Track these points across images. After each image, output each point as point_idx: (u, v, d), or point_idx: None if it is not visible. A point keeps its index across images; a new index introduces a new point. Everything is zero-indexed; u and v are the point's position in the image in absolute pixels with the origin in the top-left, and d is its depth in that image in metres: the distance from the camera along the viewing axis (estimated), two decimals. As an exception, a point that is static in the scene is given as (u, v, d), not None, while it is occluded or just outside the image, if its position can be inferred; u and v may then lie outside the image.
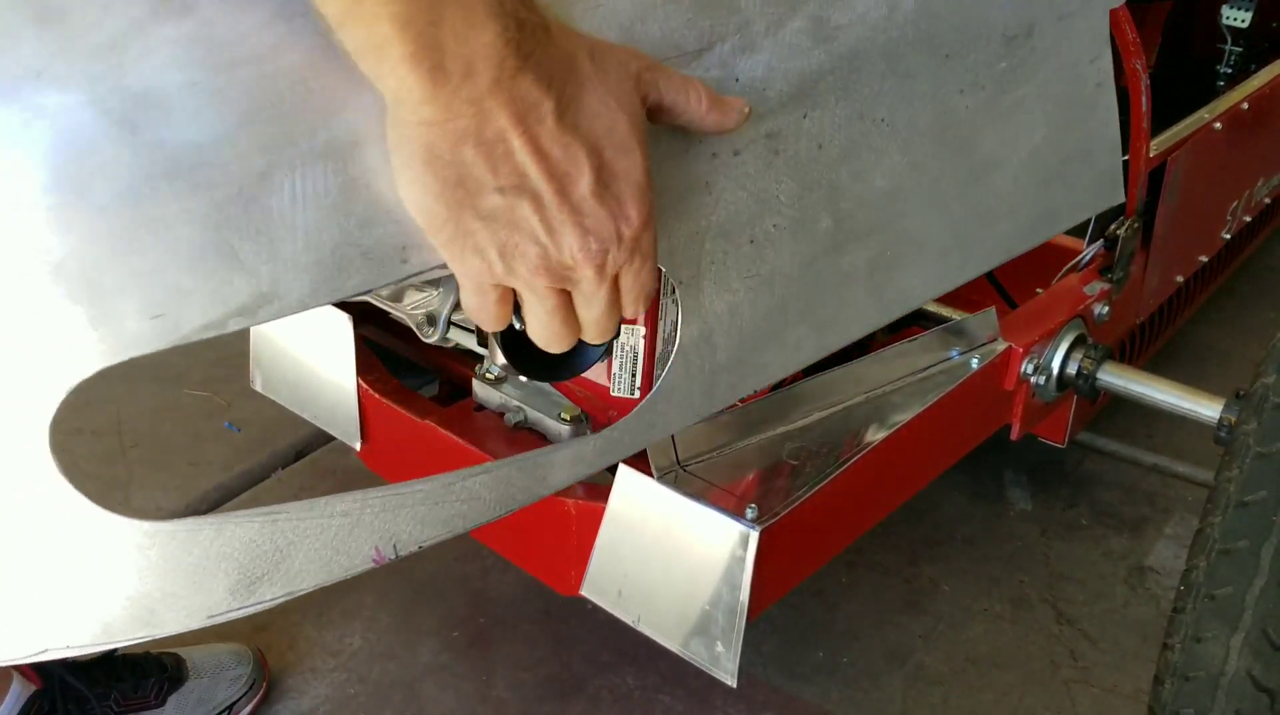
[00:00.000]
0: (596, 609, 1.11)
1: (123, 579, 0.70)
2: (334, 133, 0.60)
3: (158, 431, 1.77)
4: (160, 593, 0.71)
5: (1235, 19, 2.14)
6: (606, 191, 0.60)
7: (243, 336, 2.05)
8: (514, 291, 0.64)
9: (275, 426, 1.77)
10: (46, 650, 0.73)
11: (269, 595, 0.75)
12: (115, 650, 1.25)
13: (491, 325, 0.65)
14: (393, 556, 0.80)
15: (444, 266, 0.65)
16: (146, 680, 1.23)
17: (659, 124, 0.67)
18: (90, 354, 0.60)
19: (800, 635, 1.40)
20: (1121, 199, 1.14)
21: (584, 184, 0.59)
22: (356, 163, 0.61)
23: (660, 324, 0.95)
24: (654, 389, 0.84)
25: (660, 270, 0.72)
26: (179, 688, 1.25)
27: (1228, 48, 2.19)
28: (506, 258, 0.60)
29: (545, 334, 0.66)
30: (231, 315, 0.62)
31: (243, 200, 0.59)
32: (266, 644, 1.38)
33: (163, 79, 0.57)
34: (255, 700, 1.29)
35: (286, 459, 1.71)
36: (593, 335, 0.67)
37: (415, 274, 0.65)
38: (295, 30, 0.58)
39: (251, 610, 0.74)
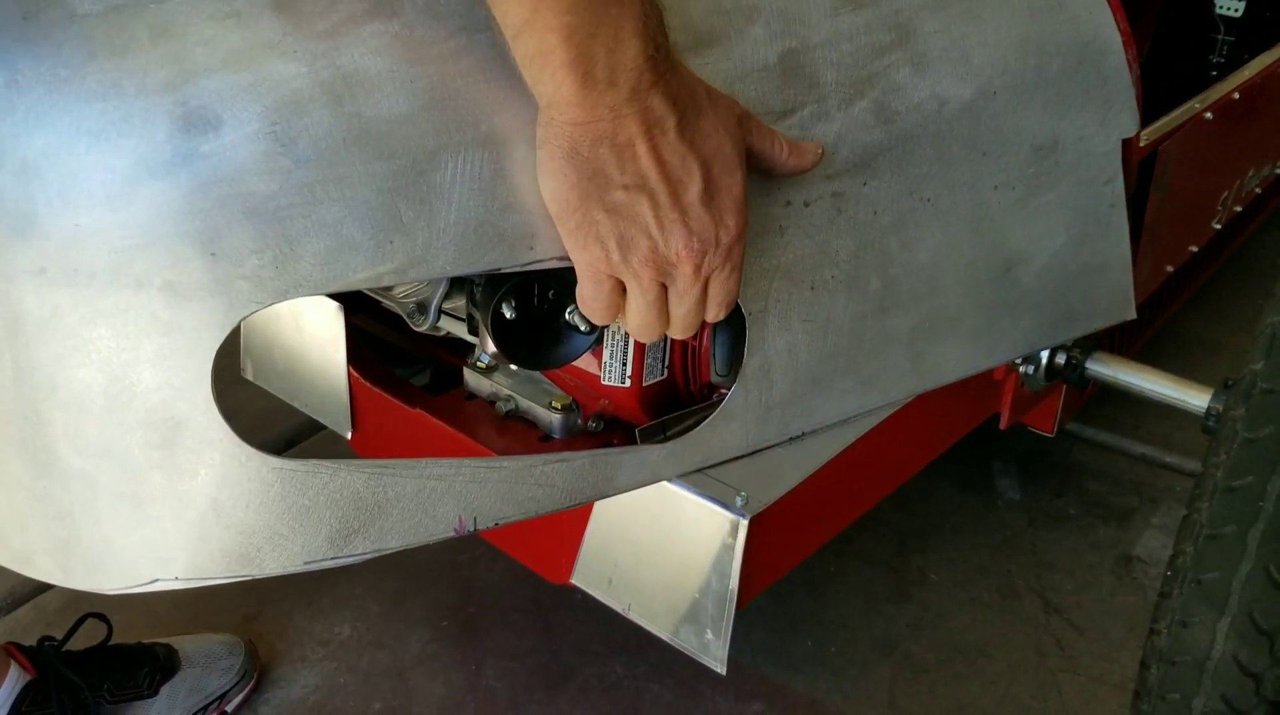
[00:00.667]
0: (586, 598, 1.11)
1: (241, 513, 0.75)
2: (492, 127, 0.71)
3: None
4: (270, 531, 0.77)
5: (1228, 8, 2.15)
6: (711, 201, 0.71)
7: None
8: (618, 288, 0.73)
9: (266, 416, 1.76)
10: (155, 581, 0.77)
11: (360, 549, 0.81)
12: (107, 640, 1.25)
13: (602, 317, 0.74)
14: (471, 529, 0.85)
15: (563, 258, 0.73)
16: (139, 670, 1.23)
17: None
18: (266, 291, 0.68)
19: (789, 624, 1.41)
20: (1133, 316, 1.20)
21: (694, 191, 0.70)
22: (506, 156, 0.71)
23: (650, 312, 0.95)
24: (716, 411, 0.90)
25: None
26: (171, 677, 1.25)
27: (1221, 37, 2.19)
28: (622, 248, 0.70)
29: (640, 323, 0.75)
30: (386, 272, 0.71)
31: (414, 172, 0.69)
32: (257, 634, 1.38)
33: (368, 63, 0.69)
34: (247, 690, 1.29)
35: (277, 448, 1.70)
36: (678, 330, 0.76)
37: (537, 262, 0.74)
38: (475, 41, 0.71)
39: (343, 562, 0.81)
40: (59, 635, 1.22)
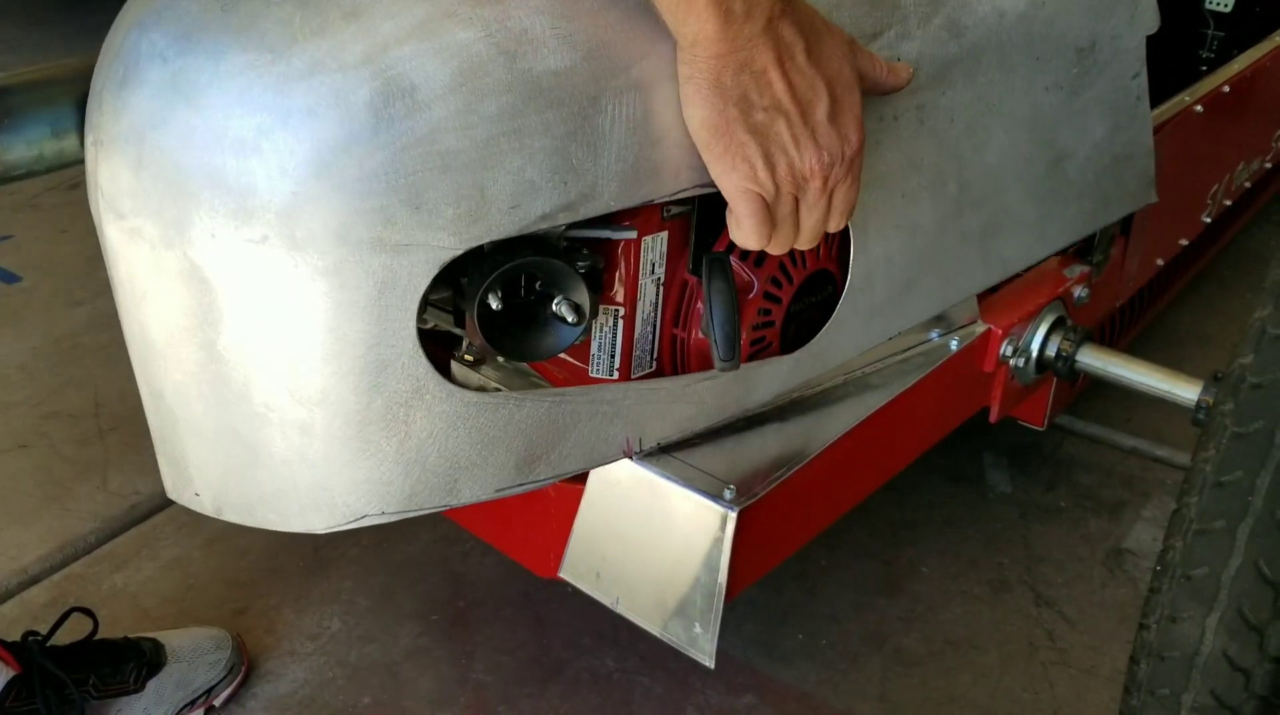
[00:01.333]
0: (576, 592, 1.11)
1: (444, 446, 0.84)
2: (641, 71, 0.79)
3: (137, 415, 1.75)
4: (466, 462, 0.86)
5: (1218, 3, 2.15)
6: (836, 119, 0.79)
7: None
8: (766, 205, 0.80)
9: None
10: (364, 517, 0.86)
11: (542, 475, 0.90)
12: (93, 635, 1.24)
13: (757, 236, 0.81)
14: (637, 450, 0.95)
15: (704, 185, 0.83)
16: (125, 665, 1.22)
17: None
18: (463, 238, 0.76)
19: (779, 617, 1.40)
20: (1155, 199, 1.31)
21: (821, 110, 0.78)
22: (654, 96, 0.79)
23: (639, 305, 0.94)
24: (828, 323, 1.00)
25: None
26: (158, 672, 1.24)
27: (1210, 32, 2.19)
28: (768, 164, 0.78)
29: (777, 235, 0.83)
30: (561, 209, 0.78)
31: (580, 118, 0.77)
32: (245, 627, 1.37)
33: (534, 22, 0.75)
34: (235, 684, 1.28)
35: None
36: (806, 240, 0.84)
37: (683, 191, 0.83)
38: None
39: (528, 487, 0.90)
40: (44, 630, 1.21)
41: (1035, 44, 1.06)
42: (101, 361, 1.89)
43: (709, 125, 0.77)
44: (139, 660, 1.23)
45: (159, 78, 0.74)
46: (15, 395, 1.81)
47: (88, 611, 1.25)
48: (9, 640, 1.18)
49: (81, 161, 0.86)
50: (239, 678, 1.29)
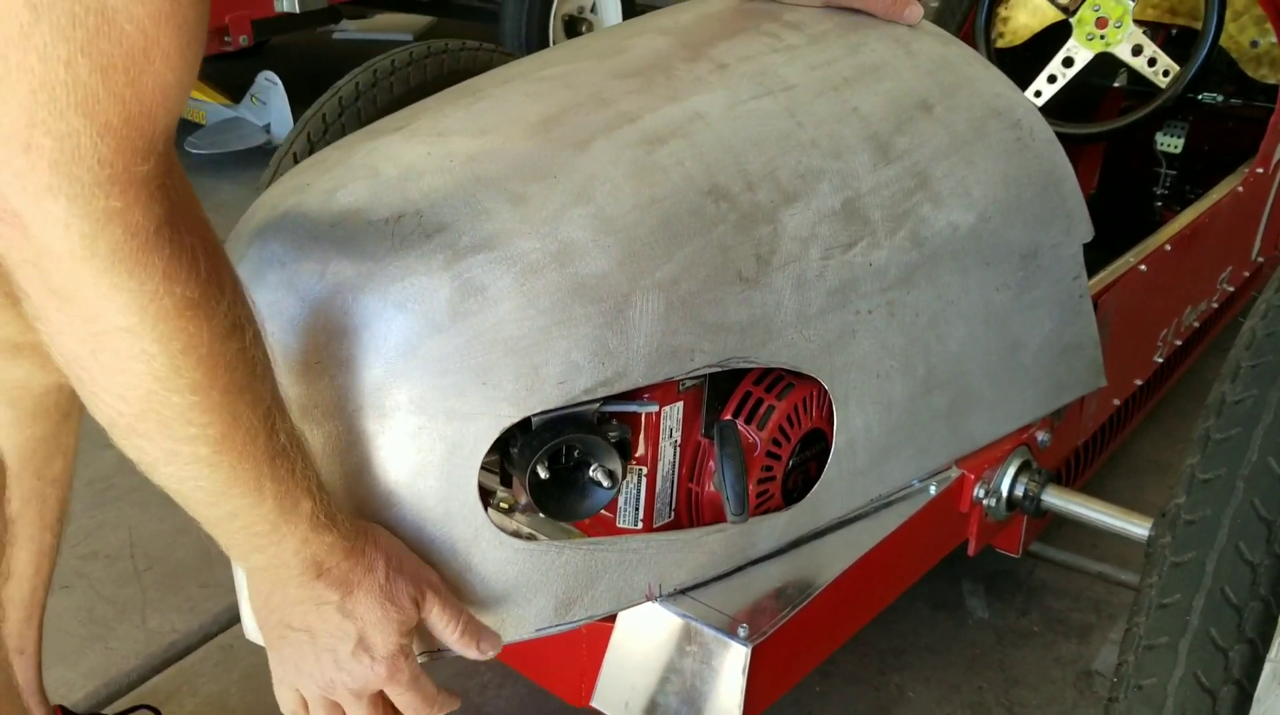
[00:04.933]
0: None
1: (495, 588, 0.96)
2: (664, 274, 0.96)
3: (169, 555, 1.87)
4: (511, 602, 0.98)
5: (1169, 144, 2.36)
6: (359, 653, 0.86)
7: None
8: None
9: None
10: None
11: (577, 616, 1.02)
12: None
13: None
14: (657, 595, 1.05)
15: (714, 366, 1.00)
16: None
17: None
18: (520, 408, 0.90)
19: (781, 740, 1.51)
20: (1104, 383, 1.46)
21: (345, 647, 0.86)
22: (674, 294, 0.96)
23: (659, 464, 1.09)
24: (817, 484, 1.14)
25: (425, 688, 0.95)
26: None
27: (1163, 171, 2.40)
28: (297, 670, 0.89)
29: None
30: (600, 384, 0.93)
31: (615, 311, 0.93)
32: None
33: (578, 236, 0.92)
34: None
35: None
36: None
37: (699, 368, 0.99)
38: (646, 213, 0.96)
39: (564, 628, 1.02)
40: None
41: (984, 251, 1.21)
42: (133, 503, 2.00)
43: (258, 614, 0.89)
44: None
45: (276, 279, 0.89)
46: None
47: (154, 709, 1.35)
48: (73, 710, 1.28)
49: None
50: None
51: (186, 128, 4.01)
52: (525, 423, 0.95)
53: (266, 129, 3.86)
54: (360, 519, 0.89)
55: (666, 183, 0.97)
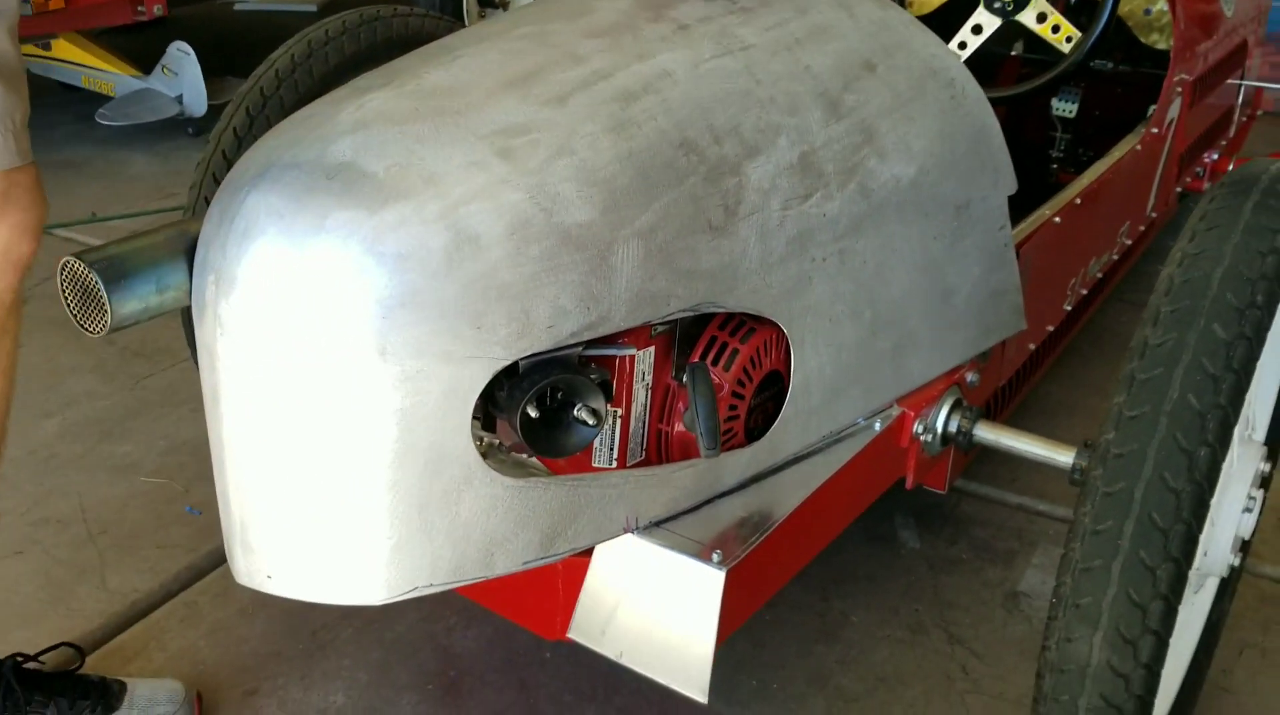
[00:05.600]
0: (554, 656, 1.28)
1: (485, 525, 1.02)
2: (643, 223, 1.02)
3: (123, 518, 1.88)
4: (501, 537, 1.03)
5: (1063, 110, 2.49)
6: None
7: (194, 425, 2.17)
8: None
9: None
10: (415, 589, 1.02)
11: (560, 549, 1.09)
12: (78, 668, 1.42)
13: None
14: (634, 528, 1.12)
15: (687, 310, 1.07)
16: (84, 700, 1.38)
17: None
18: (511, 351, 0.96)
19: (735, 667, 1.60)
20: (1024, 326, 1.58)
21: None
22: (651, 242, 1.03)
23: (633, 406, 1.16)
24: (776, 422, 1.23)
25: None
26: (110, 714, 1.40)
27: (1059, 135, 2.54)
28: None
29: None
30: (585, 328, 1.00)
31: (599, 258, 1.00)
32: (257, 707, 1.51)
33: (564, 188, 0.98)
34: None
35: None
36: None
37: (673, 312, 1.07)
38: (626, 164, 1.03)
39: (549, 560, 1.09)
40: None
41: (924, 202, 1.31)
42: (80, 470, 2.01)
43: None
44: (97, 699, 1.39)
45: (276, 230, 0.93)
46: (1, 505, 1.92)
47: (76, 647, 1.41)
48: None
49: (179, 309, 1.03)
50: None
51: (96, 100, 3.93)
52: (510, 368, 1.01)
53: (179, 100, 3.79)
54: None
55: (641, 136, 1.03)
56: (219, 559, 1.80)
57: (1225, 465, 1.08)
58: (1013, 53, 2.60)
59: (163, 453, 2.04)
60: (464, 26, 1.92)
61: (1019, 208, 1.83)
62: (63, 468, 2.01)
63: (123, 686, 1.42)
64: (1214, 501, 1.21)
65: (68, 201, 3.17)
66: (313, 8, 5.13)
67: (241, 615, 1.69)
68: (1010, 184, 1.43)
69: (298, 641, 1.64)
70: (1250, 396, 1.32)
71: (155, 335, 2.48)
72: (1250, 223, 1.14)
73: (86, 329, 0.98)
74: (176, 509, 1.90)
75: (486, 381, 0.97)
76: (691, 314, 1.08)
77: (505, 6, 4.26)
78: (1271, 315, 1.10)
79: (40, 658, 1.42)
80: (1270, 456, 1.46)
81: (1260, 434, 1.51)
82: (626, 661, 1.18)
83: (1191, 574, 1.22)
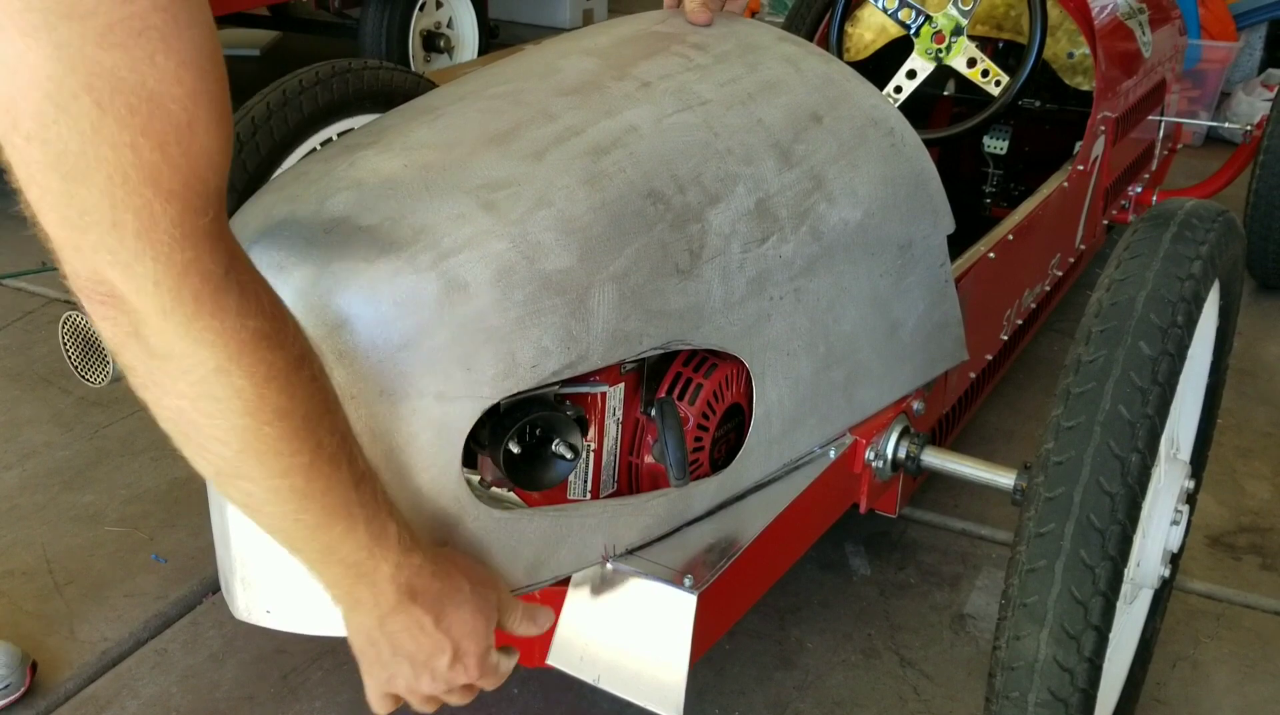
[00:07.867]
0: (522, 690, 1.31)
1: (475, 555, 1.06)
2: (617, 268, 1.09)
3: (88, 568, 1.89)
4: (491, 568, 1.07)
5: (994, 147, 2.62)
6: (456, 664, 0.99)
7: (155, 473, 2.18)
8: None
9: (200, 555, 1.92)
10: None
11: (543, 576, 1.15)
12: None
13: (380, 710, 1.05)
14: (612, 555, 1.18)
15: (658, 347, 1.14)
16: None
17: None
18: (498, 391, 1.02)
19: (698, 695, 1.66)
20: (966, 357, 1.67)
21: (443, 661, 0.98)
22: (625, 286, 1.09)
23: (605, 440, 1.22)
24: (740, 451, 1.30)
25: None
26: None
27: (990, 171, 2.66)
28: (393, 682, 1.02)
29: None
30: (564, 368, 1.06)
31: (578, 301, 1.06)
32: (233, 748, 1.53)
33: (544, 237, 1.05)
34: (6, 701, 1.49)
35: (216, 585, 1.86)
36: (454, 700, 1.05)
37: (645, 352, 1.13)
38: (599, 215, 1.09)
39: (534, 588, 1.14)
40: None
41: (870, 243, 1.40)
42: (42, 521, 2.01)
43: (358, 646, 0.99)
44: None
45: (278, 283, 0.97)
46: (-39, 559, 1.92)
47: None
48: None
49: None
50: (12, 698, 1.51)
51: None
52: (492, 406, 1.06)
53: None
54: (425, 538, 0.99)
55: (612, 188, 1.11)
56: (188, 605, 1.82)
57: (1153, 481, 1.17)
58: (945, 93, 2.73)
59: (125, 501, 2.06)
60: (420, 77, 1.99)
61: (957, 242, 1.94)
62: (25, 519, 2.02)
63: None
64: (1145, 514, 1.30)
65: (14, 252, 3.16)
66: (255, 52, 5.17)
67: (213, 660, 1.71)
68: (948, 224, 1.53)
69: (269, 685, 1.66)
70: (1174, 418, 1.42)
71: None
72: (1170, 251, 1.25)
73: (88, 380, 1.02)
74: (142, 557, 1.92)
75: (475, 419, 1.02)
76: (661, 352, 1.15)
77: (450, 54, 4.35)
78: (1191, 334, 1.20)
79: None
80: (1194, 475, 1.57)
81: (1185, 453, 1.61)
82: (604, 685, 1.24)
83: (1126, 586, 1.31)
